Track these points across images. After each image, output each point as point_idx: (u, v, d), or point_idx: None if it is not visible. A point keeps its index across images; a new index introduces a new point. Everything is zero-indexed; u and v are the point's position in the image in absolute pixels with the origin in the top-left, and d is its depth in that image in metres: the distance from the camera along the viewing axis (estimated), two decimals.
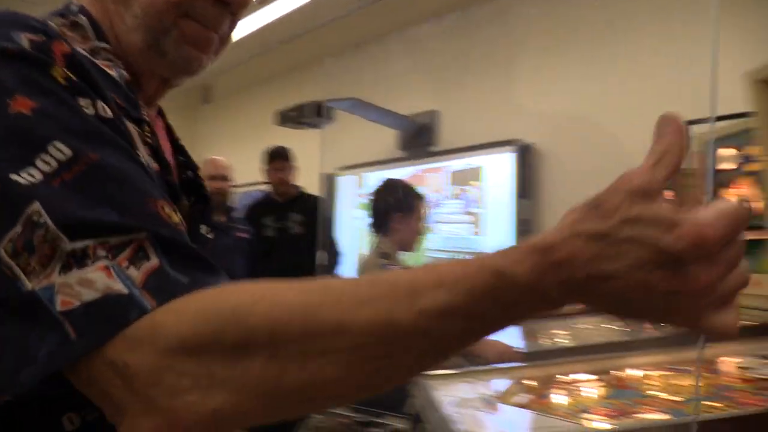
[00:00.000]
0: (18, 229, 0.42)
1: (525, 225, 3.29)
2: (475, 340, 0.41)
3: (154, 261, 0.42)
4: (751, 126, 1.44)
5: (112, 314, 0.40)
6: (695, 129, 2.67)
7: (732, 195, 1.80)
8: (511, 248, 0.40)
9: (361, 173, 4.23)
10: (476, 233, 3.51)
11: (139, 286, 0.41)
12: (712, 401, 1.17)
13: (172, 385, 0.39)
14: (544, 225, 3.36)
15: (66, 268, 0.41)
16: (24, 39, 0.48)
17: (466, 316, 0.39)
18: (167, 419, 0.39)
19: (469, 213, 3.56)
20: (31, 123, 0.45)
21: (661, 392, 1.44)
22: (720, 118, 1.97)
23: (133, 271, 0.42)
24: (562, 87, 3.45)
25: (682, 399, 1.29)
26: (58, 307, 0.40)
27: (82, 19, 0.58)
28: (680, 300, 0.38)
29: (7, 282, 0.42)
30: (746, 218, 0.38)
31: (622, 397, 1.47)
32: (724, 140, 1.85)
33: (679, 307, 0.38)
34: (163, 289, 0.41)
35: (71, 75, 0.48)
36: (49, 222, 0.42)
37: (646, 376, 1.60)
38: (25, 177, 0.43)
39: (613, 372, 1.63)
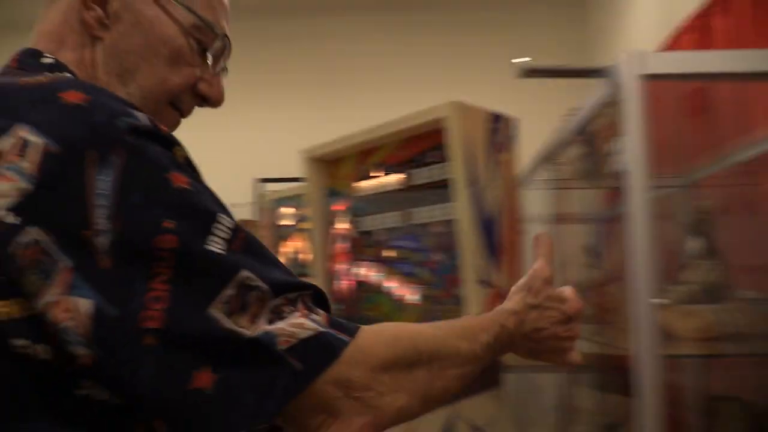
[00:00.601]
0: (231, 291, 0.48)
1: None
2: (484, 366, 0.64)
3: (318, 309, 0.54)
4: (303, 191, 1.75)
5: (327, 346, 0.51)
6: (267, 186, 3.01)
7: (290, 247, 2.12)
8: (500, 310, 0.67)
9: None
10: None
11: (327, 327, 0.52)
12: None
13: (378, 391, 0.53)
14: None
15: (273, 319, 0.49)
16: (142, 116, 0.51)
17: (490, 350, 0.63)
18: (374, 414, 0.53)
19: None
20: (195, 197, 0.50)
21: None
22: (285, 180, 2.32)
23: (316, 317, 0.52)
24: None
25: None
26: (280, 347, 0.48)
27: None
28: (565, 343, 0.69)
29: (224, 336, 0.47)
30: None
31: None
32: (286, 200, 2.18)
33: (563, 348, 0.70)
34: (343, 327, 0.53)
35: (185, 153, 0.53)
36: (262, 284, 0.50)
37: None
38: (216, 247, 0.49)
39: None
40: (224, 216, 0.51)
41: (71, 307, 0.44)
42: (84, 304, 0.44)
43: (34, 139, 0.46)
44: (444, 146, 1.29)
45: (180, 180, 0.49)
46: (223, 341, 0.47)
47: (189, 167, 0.53)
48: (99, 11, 0.61)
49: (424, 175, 1.39)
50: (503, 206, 1.37)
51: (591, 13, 3.34)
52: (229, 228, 0.50)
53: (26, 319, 0.45)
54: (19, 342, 0.45)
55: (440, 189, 1.34)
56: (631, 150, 0.95)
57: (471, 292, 1.26)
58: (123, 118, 0.49)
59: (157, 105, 0.64)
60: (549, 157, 1.68)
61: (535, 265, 0.71)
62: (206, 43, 0.66)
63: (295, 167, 1.77)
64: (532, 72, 1.09)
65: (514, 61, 1.14)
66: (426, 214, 1.39)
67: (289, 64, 4.03)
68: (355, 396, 0.52)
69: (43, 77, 0.53)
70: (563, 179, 1.80)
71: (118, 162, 0.47)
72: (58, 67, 0.59)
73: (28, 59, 0.60)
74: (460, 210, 1.27)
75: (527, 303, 0.68)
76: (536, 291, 0.68)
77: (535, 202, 1.97)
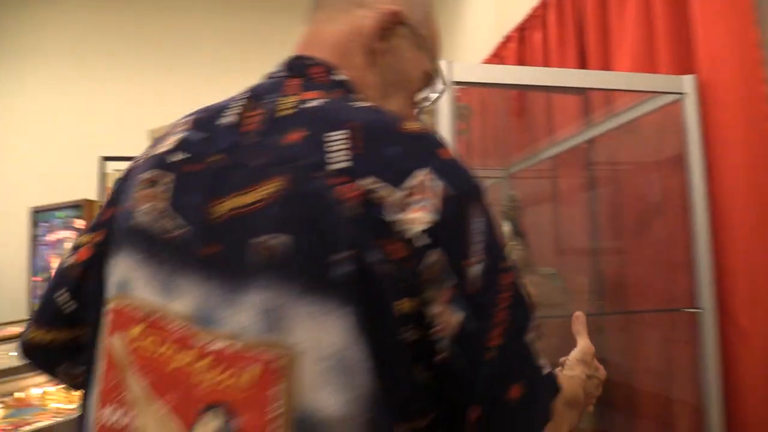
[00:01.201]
0: (533, 328, 0.61)
1: None
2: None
3: None
4: None
5: (555, 382, 0.65)
6: (111, 165, 2.93)
7: None
8: (578, 377, 0.81)
9: None
10: None
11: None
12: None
13: (561, 418, 0.66)
14: None
15: (541, 358, 0.62)
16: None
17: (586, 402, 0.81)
18: None
19: None
20: (503, 244, 0.61)
21: (60, 402, 1.58)
22: (130, 159, 2.28)
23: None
24: None
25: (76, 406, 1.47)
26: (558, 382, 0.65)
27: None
28: (595, 397, 0.86)
29: (529, 359, 0.60)
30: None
31: (23, 414, 1.54)
32: None
33: (592, 403, 0.86)
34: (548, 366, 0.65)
35: None
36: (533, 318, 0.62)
37: (45, 393, 1.71)
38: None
39: (16, 394, 1.67)
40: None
41: (448, 315, 0.56)
42: (457, 316, 0.56)
43: (437, 182, 0.58)
44: None
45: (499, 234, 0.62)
46: (529, 363, 0.61)
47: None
48: (385, 44, 0.73)
49: None
50: None
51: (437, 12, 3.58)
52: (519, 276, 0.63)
53: (410, 313, 0.56)
54: (403, 328, 0.56)
55: None
56: None
57: None
58: (475, 176, 0.62)
59: None
60: None
61: (582, 342, 0.90)
62: (429, 84, 0.79)
63: (140, 145, 1.76)
64: None
65: None
66: None
67: (136, 41, 3.88)
68: (553, 419, 0.65)
69: (412, 126, 0.62)
70: None
71: (482, 211, 0.60)
72: (350, 86, 0.70)
73: (333, 76, 0.70)
74: None
75: (586, 374, 0.85)
76: (588, 364, 0.87)
77: None
